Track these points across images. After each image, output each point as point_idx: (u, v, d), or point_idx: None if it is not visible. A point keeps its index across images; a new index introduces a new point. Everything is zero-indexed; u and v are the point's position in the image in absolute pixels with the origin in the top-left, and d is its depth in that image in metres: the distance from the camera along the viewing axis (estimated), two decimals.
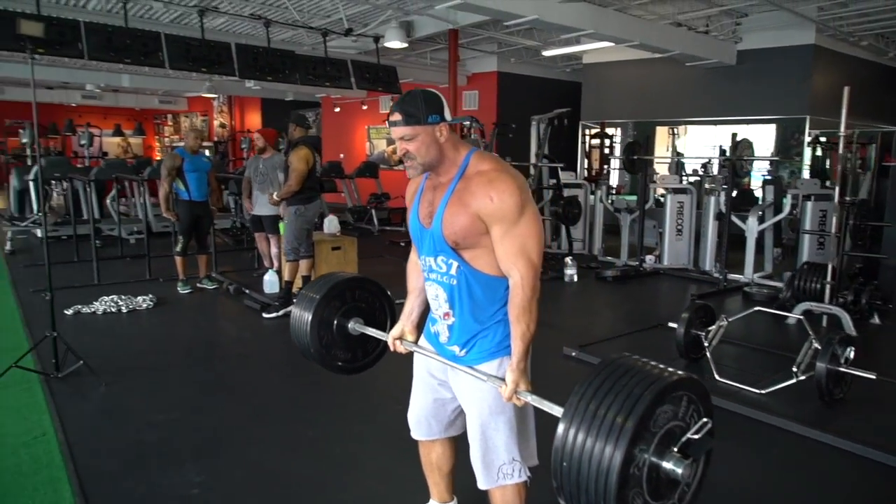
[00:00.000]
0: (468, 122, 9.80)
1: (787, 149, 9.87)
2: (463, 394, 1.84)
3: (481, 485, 1.82)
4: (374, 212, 10.61)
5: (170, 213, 5.62)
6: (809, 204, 6.02)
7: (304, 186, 4.95)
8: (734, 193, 6.31)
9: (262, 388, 3.63)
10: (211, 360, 4.12)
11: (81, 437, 2.86)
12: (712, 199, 6.81)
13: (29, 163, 10.61)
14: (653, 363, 1.42)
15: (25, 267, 6.96)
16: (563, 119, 8.56)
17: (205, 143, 16.96)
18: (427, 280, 1.83)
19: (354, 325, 2.12)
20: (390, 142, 14.33)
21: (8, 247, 7.86)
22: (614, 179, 11.72)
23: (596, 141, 10.70)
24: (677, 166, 11.06)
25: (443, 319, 1.81)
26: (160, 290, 5.77)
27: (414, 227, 1.81)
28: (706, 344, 3.71)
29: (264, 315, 5.06)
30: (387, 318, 2.26)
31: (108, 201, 9.20)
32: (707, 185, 7.88)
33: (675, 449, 1.36)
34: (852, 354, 3.23)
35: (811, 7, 7.77)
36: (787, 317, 4.61)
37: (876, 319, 4.90)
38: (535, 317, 1.68)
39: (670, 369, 1.38)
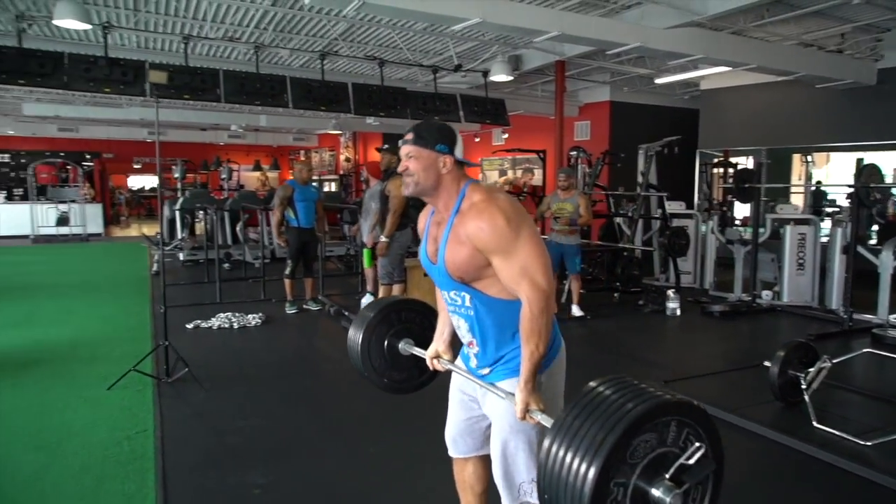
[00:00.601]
0: (574, 153, 9.72)
1: None
2: (489, 412, 1.86)
3: (505, 502, 1.82)
4: None
5: (281, 238, 6.10)
6: None
7: (402, 213, 5.19)
8: (874, 226, 5.69)
9: (338, 403, 3.82)
10: (299, 375, 4.39)
11: (174, 435, 3.18)
12: (839, 230, 6.19)
13: (178, 195, 11.97)
14: (650, 385, 1.36)
15: (165, 286, 7.79)
16: (674, 147, 8.24)
17: (331, 176, 18.20)
18: (449, 311, 1.88)
19: (404, 346, 2.20)
20: (502, 173, 14.51)
21: (154, 268, 8.88)
22: (743, 210, 10.97)
23: (718, 170, 10.13)
24: (815, 196, 10.16)
25: (469, 348, 1.86)
26: (270, 309, 6.25)
27: (424, 263, 1.86)
28: (804, 386, 3.37)
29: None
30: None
31: (237, 229, 10.11)
32: (835, 216, 7.16)
33: (668, 476, 1.29)
34: None
35: None
36: None
37: None
38: (545, 338, 1.66)
39: (663, 393, 1.32)
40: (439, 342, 2.05)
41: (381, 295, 5.47)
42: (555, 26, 6.28)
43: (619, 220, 8.47)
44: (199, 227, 11.68)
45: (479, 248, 1.66)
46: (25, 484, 2.66)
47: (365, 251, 5.62)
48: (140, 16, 7.79)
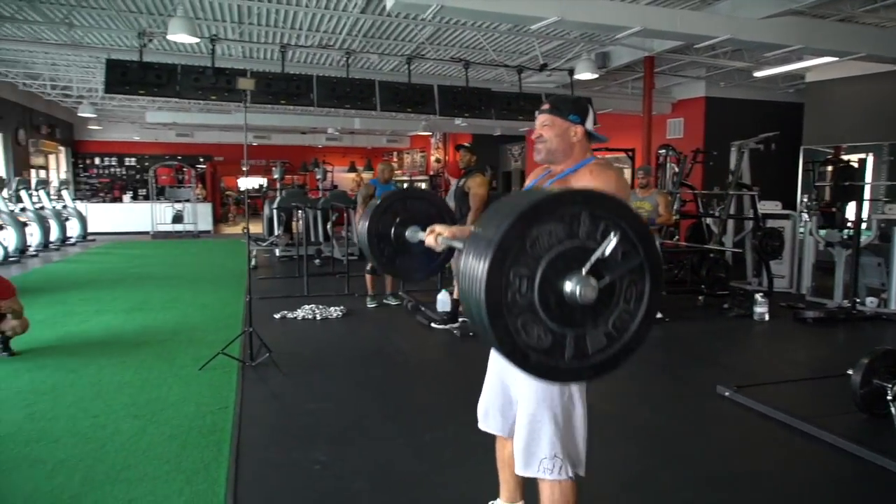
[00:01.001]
0: (663, 151, 9.39)
1: None
2: (517, 384, 1.92)
3: (519, 471, 1.88)
4: None
5: None
6: None
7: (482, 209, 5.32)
8: None
9: (402, 392, 3.98)
10: (371, 365, 4.60)
11: (250, 413, 3.46)
12: None
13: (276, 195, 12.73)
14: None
15: (260, 279, 8.36)
16: (771, 144, 7.78)
17: (422, 177, 18.60)
18: None
19: (411, 233, 2.28)
20: None
21: (252, 263, 9.52)
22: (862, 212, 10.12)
23: (828, 168, 9.42)
24: None
25: None
26: (352, 303, 6.55)
27: None
28: (890, 397, 3.13)
29: (433, 325, 5.51)
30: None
31: (328, 227, 10.62)
32: None
33: (584, 270, 1.27)
34: None
35: None
36: None
37: None
38: None
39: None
40: (447, 228, 2.09)
41: (456, 291, 5.59)
42: (637, 21, 6.14)
43: (708, 220, 8.12)
44: (296, 226, 12.40)
45: None
46: (123, 445, 3.01)
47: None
48: (244, 27, 8.40)
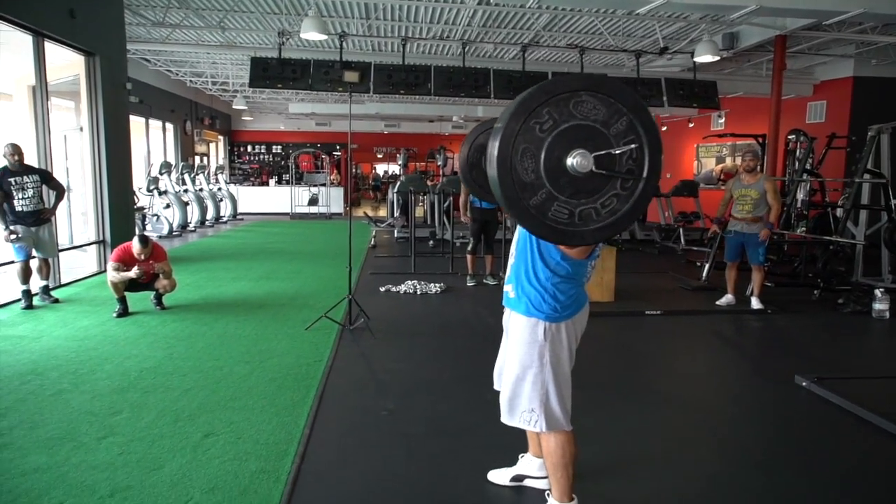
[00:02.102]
0: (792, 137, 8.75)
1: None
2: (510, 333, 2.17)
3: (504, 419, 2.15)
4: (681, 230, 10.27)
5: (466, 217, 6.73)
6: None
7: None
8: None
9: (474, 358, 4.25)
10: (454, 335, 4.95)
11: (339, 368, 3.95)
12: None
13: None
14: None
15: (377, 257, 9.02)
16: None
17: None
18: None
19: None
20: (719, 160, 13.50)
21: (371, 242, 10.26)
22: None
23: None
24: None
25: (510, 259, 2.20)
26: (453, 281, 6.95)
27: None
28: None
29: None
30: None
31: (444, 210, 11.10)
32: None
33: (592, 153, 1.51)
34: None
35: None
36: None
37: None
38: None
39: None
40: None
41: None
42: None
43: (838, 211, 7.50)
44: (420, 210, 13.06)
45: None
46: (234, 383, 3.62)
47: None
48: (371, 22, 9.05)
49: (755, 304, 5.66)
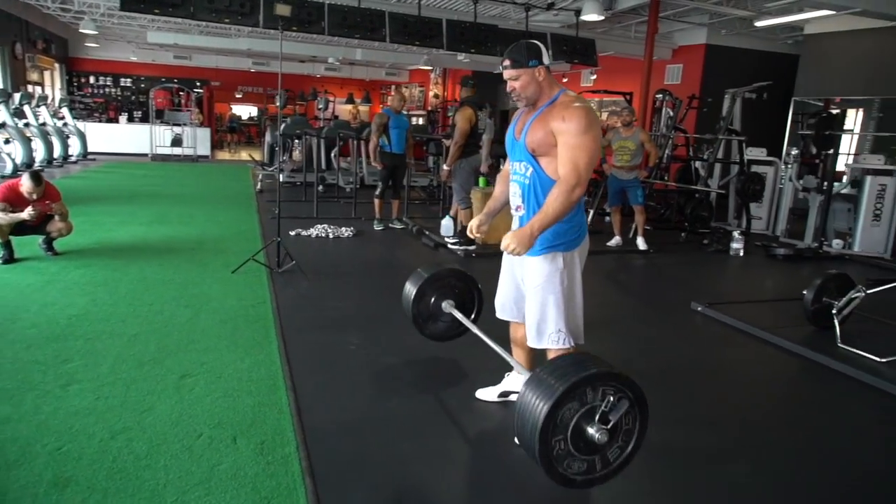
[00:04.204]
0: (660, 96, 9.70)
1: None
2: (526, 276, 2.39)
3: (532, 343, 2.38)
4: None
5: (377, 161, 6.75)
6: None
7: (466, 142, 5.69)
8: None
9: None
10: (385, 275, 5.11)
11: (287, 308, 3.95)
12: None
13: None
14: (603, 362, 1.84)
15: (267, 202, 8.74)
16: (763, 93, 8.16)
17: (419, 112, 18.71)
18: (512, 181, 2.39)
19: (446, 305, 2.96)
20: None
21: (258, 187, 9.87)
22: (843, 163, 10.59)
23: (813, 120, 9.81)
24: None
25: (516, 212, 2.37)
26: (360, 226, 7.01)
27: (509, 139, 2.40)
28: (835, 312, 3.69)
29: (448, 244, 6.04)
30: (474, 308, 3.05)
31: (332, 155, 10.93)
32: None
33: (598, 418, 1.81)
34: None
35: None
36: None
37: None
38: (559, 214, 2.11)
39: (612, 367, 1.82)
40: (485, 217, 2.52)
41: (462, 217, 6.04)
42: None
43: (697, 163, 8.57)
44: (297, 154, 12.65)
45: (555, 130, 2.15)
46: (184, 326, 3.51)
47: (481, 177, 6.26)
48: None
49: (640, 243, 6.42)
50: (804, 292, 3.90)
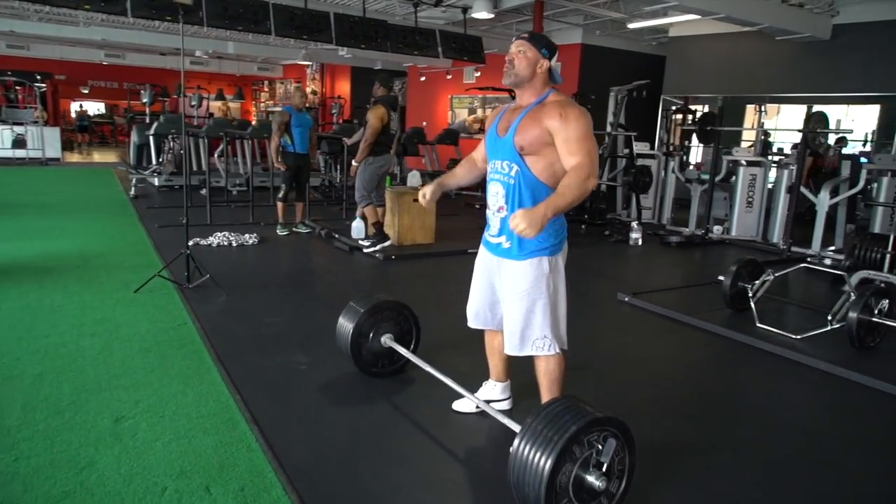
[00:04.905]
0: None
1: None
2: (508, 282, 2.30)
3: (513, 352, 2.31)
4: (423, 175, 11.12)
5: (279, 163, 6.34)
6: (885, 179, 6.02)
7: (377, 141, 5.53)
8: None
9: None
10: (307, 284, 4.82)
11: (214, 328, 3.57)
12: (784, 172, 6.88)
13: (148, 121, 11.83)
14: (586, 407, 1.83)
15: (148, 208, 7.96)
16: (642, 91, 8.72)
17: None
18: (491, 180, 2.30)
19: (385, 340, 2.86)
20: (471, 111, 14.77)
21: (132, 192, 8.95)
22: (697, 156, 11.66)
23: (678, 116, 10.69)
24: (763, 144, 10.92)
25: (497, 213, 2.28)
26: (262, 231, 6.55)
27: (490, 137, 2.31)
28: (751, 295, 4.01)
29: (364, 248, 5.76)
30: (412, 339, 2.98)
31: (215, 156, 10.19)
32: (782, 161, 7.82)
33: (593, 466, 1.80)
34: (887, 306, 3.47)
35: None
36: (834, 276, 4.83)
37: None
38: (573, 200, 2.03)
39: (600, 410, 1.82)
40: (436, 184, 2.49)
41: (369, 215, 5.80)
42: None
43: None
44: (171, 154, 11.64)
45: (552, 129, 2.09)
46: (96, 359, 3.04)
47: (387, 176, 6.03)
48: None
49: None
50: (721, 278, 4.19)
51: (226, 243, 5.94)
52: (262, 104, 20.79)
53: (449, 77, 14.54)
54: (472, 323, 2.56)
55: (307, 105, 6.38)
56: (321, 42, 9.54)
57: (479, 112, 14.47)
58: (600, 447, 1.81)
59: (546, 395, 2.36)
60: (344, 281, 5.01)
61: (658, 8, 9.37)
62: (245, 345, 3.39)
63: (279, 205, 6.55)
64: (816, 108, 8.27)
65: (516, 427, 1.99)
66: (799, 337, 3.66)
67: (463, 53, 10.20)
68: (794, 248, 6.44)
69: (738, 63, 10.28)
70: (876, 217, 6.16)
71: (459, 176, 2.59)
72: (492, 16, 8.94)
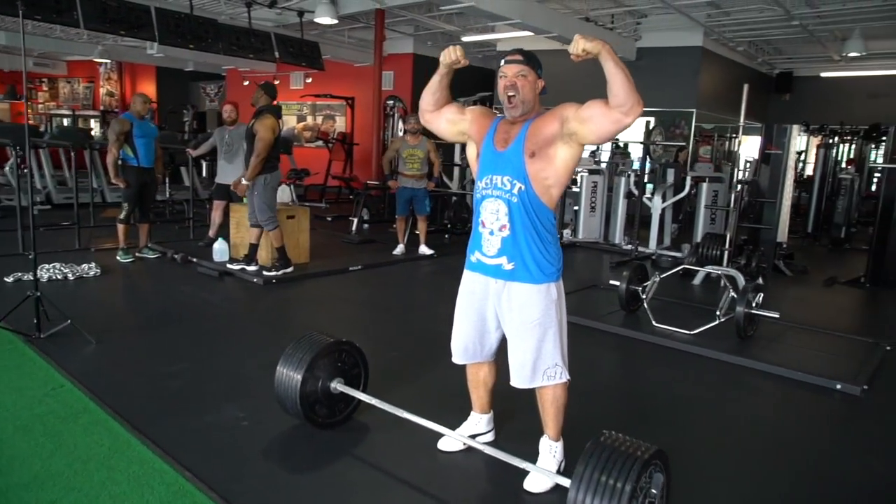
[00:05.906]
0: (391, 102, 10.04)
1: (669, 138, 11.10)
2: (517, 309, 2.19)
3: (523, 384, 2.22)
4: (292, 188, 10.56)
5: (119, 179, 5.45)
6: (705, 185, 7.00)
7: (270, 155, 5.06)
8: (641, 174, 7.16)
9: (256, 338, 3.82)
10: (194, 319, 4.20)
11: (103, 388, 2.92)
12: (622, 179, 7.66)
13: None
14: (630, 440, 1.83)
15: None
16: (485, 102, 9.11)
17: (91, 113, 15.76)
18: (487, 197, 2.17)
19: (336, 385, 2.59)
20: (301, 118, 14.19)
21: None
22: None
23: None
24: (591, 153, 12.02)
25: (499, 232, 2.15)
26: (98, 259, 5.58)
27: (486, 152, 2.19)
28: (644, 297, 4.39)
29: (265, 274, 5.15)
30: (361, 377, 2.74)
31: (6, 169, 8.53)
32: (620, 167, 8.70)
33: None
34: (761, 299, 4.03)
35: (701, 13, 8.85)
36: (704, 274, 5.62)
37: (760, 280, 5.89)
38: (628, 75, 2.02)
39: (645, 445, 1.82)
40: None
41: (273, 239, 5.18)
42: None
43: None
44: None
45: (561, 118, 2.04)
46: None
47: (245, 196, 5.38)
48: None
49: (424, 250, 6.56)
50: (614, 283, 4.52)
51: (60, 276, 4.95)
52: (39, 105, 17.82)
53: (277, 82, 13.78)
54: (460, 359, 2.42)
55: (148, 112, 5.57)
56: (144, 39, 8.49)
57: (310, 119, 13.95)
58: (649, 487, 1.79)
59: (551, 423, 2.32)
60: (232, 313, 4.46)
61: (489, 24, 9.88)
62: (160, 405, 2.83)
63: (120, 227, 5.63)
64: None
65: (553, 477, 1.96)
66: (692, 332, 4.08)
67: (300, 59, 9.77)
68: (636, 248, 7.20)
69: (559, 78, 11.15)
70: (699, 216, 7.12)
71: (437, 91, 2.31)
72: (335, 21, 8.68)
